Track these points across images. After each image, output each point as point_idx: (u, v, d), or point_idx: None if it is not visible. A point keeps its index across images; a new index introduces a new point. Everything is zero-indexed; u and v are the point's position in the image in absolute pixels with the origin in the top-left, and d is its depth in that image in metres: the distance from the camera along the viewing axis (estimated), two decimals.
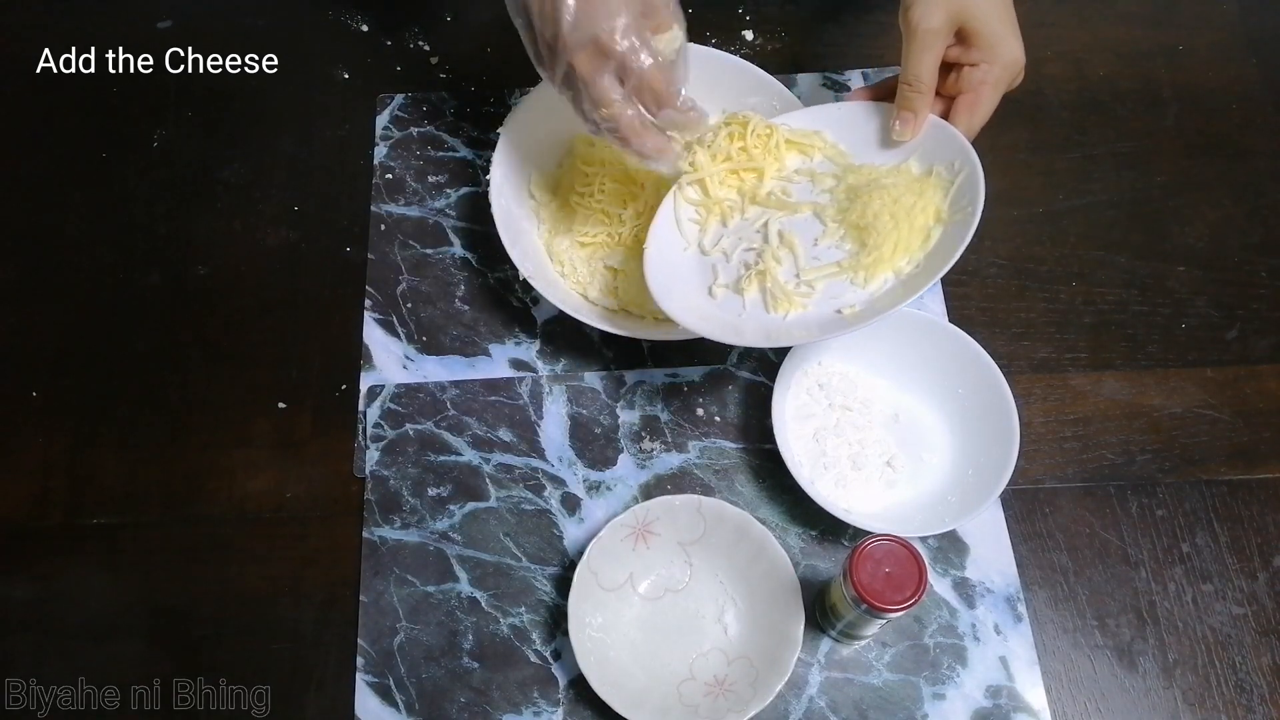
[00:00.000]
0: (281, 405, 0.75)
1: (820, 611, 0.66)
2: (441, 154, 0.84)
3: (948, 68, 0.65)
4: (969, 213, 0.62)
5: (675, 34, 0.61)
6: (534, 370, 0.76)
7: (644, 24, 0.59)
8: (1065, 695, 0.67)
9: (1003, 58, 0.62)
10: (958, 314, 0.77)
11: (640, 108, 0.61)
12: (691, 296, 0.68)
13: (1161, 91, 0.86)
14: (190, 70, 0.88)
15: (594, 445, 0.73)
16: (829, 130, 0.70)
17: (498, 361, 0.76)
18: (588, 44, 0.58)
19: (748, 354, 0.76)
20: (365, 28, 0.90)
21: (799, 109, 0.73)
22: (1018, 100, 0.84)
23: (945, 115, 0.65)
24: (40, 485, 0.74)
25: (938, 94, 0.65)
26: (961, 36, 0.62)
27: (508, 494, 0.72)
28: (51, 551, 0.72)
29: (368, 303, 0.78)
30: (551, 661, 0.68)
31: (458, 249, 0.80)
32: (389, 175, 0.83)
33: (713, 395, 0.75)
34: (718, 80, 0.75)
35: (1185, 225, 0.81)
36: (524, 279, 0.71)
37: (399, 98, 0.86)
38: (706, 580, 0.68)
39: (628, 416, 0.74)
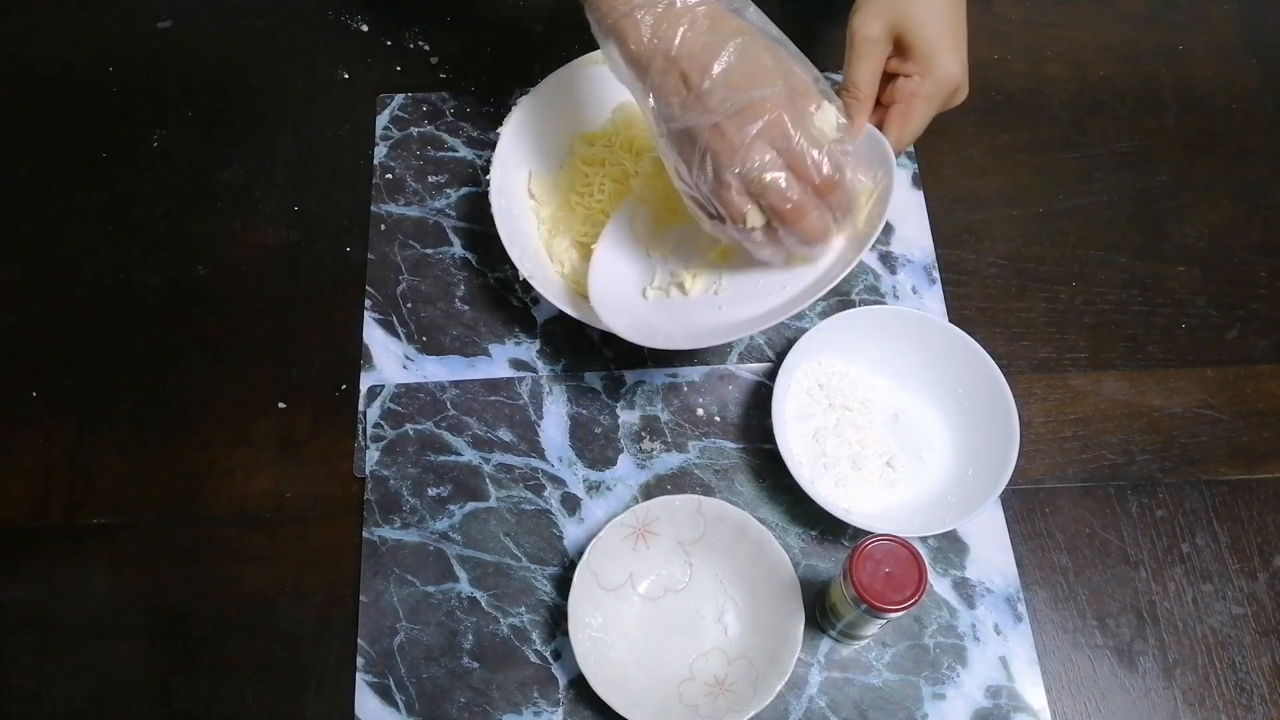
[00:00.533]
0: (281, 405, 0.75)
1: (820, 611, 0.66)
2: (441, 154, 0.84)
3: (891, 78, 0.64)
4: (874, 224, 0.62)
5: (829, 112, 0.59)
6: (534, 370, 0.76)
7: (798, 98, 0.57)
8: (1065, 695, 0.67)
9: (936, 73, 0.61)
10: (958, 314, 0.77)
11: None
12: (627, 296, 0.69)
13: (1161, 91, 0.86)
14: (190, 70, 0.88)
15: (594, 445, 0.73)
16: None
17: (498, 361, 0.76)
18: (741, 108, 0.56)
19: (748, 354, 0.76)
20: (365, 28, 0.90)
21: None
22: (1018, 100, 0.85)
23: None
24: (40, 485, 0.74)
25: (881, 104, 0.65)
26: (900, 48, 0.62)
27: (508, 494, 0.72)
28: (51, 551, 0.72)
29: (368, 303, 0.78)
30: (551, 661, 0.68)
31: (458, 249, 0.80)
32: (389, 175, 0.83)
33: (713, 395, 0.75)
34: None
35: (1185, 225, 0.81)
36: (524, 279, 0.71)
37: (399, 98, 0.86)
38: (706, 580, 0.68)
39: (628, 416, 0.74)
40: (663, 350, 0.75)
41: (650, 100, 0.59)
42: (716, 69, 0.56)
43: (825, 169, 0.58)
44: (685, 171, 0.59)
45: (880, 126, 0.64)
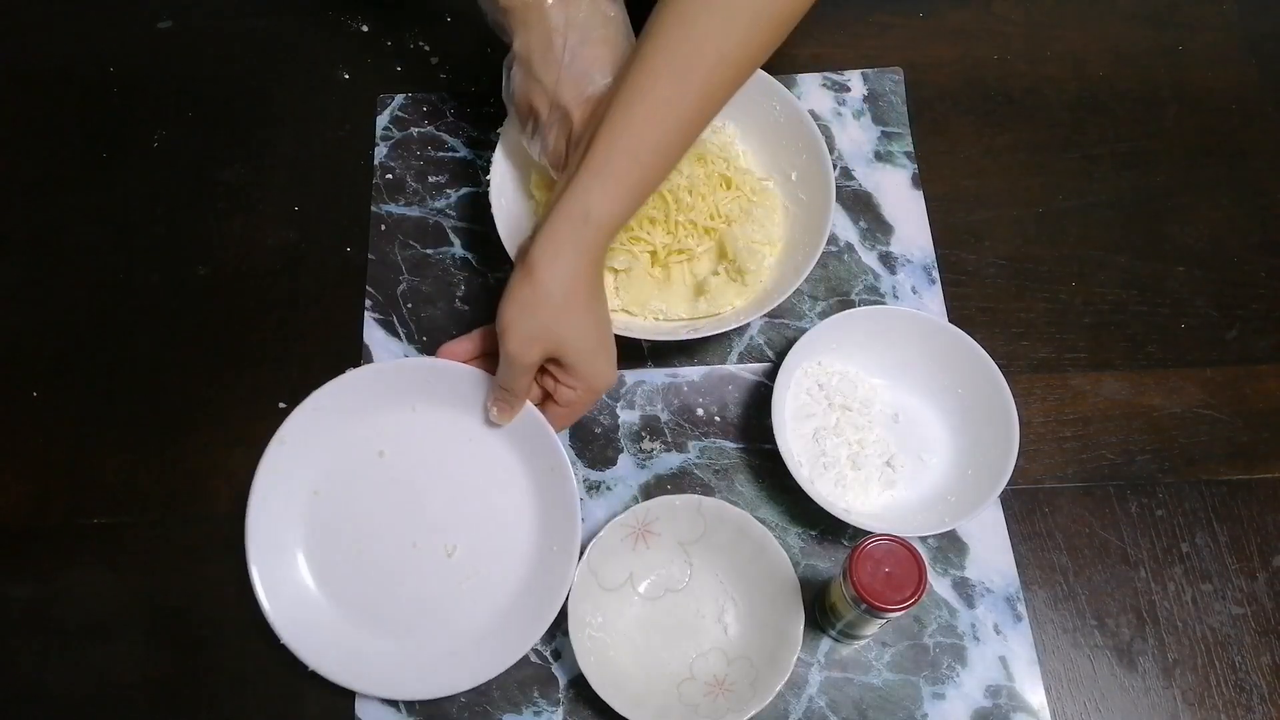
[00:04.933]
0: (281, 405, 0.75)
1: (820, 611, 0.66)
2: (441, 154, 0.84)
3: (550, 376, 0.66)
4: None
5: None
6: None
7: None
8: (1065, 695, 0.67)
9: (593, 382, 0.65)
10: (958, 314, 0.77)
11: None
12: None
13: (1161, 91, 0.86)
14: (190, 70, 0.88)
15: (594, 445, 0.73)
16: None
17: None
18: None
19: (748, 354, 0.76)
20: (365, 28, 0.90)
21: None
22: (1018, 100, 0.85)
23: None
24: (40, 485, 0.74)
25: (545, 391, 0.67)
26: (557, 363, 0.64)
27: None
28: (51, 551, 0.72)
29: (368, 303, 0.78)
30: (551, 661, 0.68)
31: (458, 249, 0.80)
32: (389, 175, 0.83)
33: (713, 395, 0.75)
34: None
35: (1185, 225, 0.81)
36: None
37: (399, 98, 0.86)
38: (706, 580, 0.68)
39: (628, 416, 0.74)
40: (664, 347, 0.75)
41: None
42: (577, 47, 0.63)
43: None
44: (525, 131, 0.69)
45: (541, 406, 0.67)
